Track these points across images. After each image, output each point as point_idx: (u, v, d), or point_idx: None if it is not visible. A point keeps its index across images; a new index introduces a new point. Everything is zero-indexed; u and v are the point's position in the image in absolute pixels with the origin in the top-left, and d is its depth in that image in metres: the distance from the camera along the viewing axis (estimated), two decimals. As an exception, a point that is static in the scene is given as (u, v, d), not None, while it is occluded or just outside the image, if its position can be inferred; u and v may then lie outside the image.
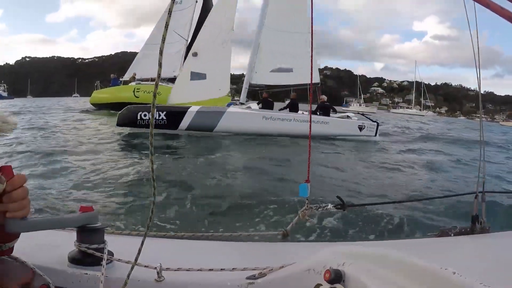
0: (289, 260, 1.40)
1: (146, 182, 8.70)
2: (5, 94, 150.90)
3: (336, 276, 1.14)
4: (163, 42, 0.87)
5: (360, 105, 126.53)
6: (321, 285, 1.19)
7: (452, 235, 2.17)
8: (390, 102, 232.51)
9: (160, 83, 31.44)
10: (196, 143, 16.35)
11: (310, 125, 2.28)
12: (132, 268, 1.32)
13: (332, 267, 1.17)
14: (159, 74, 0.94)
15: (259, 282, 1.37)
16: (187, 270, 1.44)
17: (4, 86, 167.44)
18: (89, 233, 1.52)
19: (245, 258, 1.56)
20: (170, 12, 0.88)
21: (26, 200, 1.29)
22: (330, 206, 2.17)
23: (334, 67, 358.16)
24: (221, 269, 1.43)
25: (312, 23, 2.09)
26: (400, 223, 6.44)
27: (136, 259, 1.30)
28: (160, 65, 0.93)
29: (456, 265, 1.05)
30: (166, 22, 0.85)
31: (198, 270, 1.43)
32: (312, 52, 2.14)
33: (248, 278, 1.39)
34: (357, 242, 1.84)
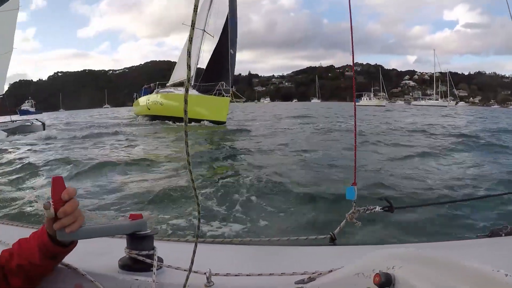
0: (338, 264, 1.36)
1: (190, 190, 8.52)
2: (32, 109, 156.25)
3: (386, 280, 1.11)
4: (191, 43, 0.84)
5: (370, 99, 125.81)
6: None
7: (504, 235, 2.04)
8: (422, 94, 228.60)
9: (174, 91, 37.33)
10: (232, 149, 16.77)
11: (355, 125, 2.19)
12: (187, 278, 1.32)
13: (381, 271, 1.14)
14: (188, 78, 0.93)
15: (308, 287, 1.34)
16: (236, 275, 1.44)
17: (31, 102, 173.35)
18: (139, 240, 1.55)
19: (293, 263, 1.53)
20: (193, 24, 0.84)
21: (78, 211, 1.35)
22: (377, 208, 2.10)
23: (364, 63, 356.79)
24: (270, 274, 1.43)
25: (351, 20, 1.96)
26: (448, 224, 6.31)
27: (190, 269, 1.30)
28: (189, 67, 0.91)
29: (508, 266, 1.01)
30: (192, 20, 0.82)
31: (247, 275, 1.43)
32: (352, 50, 2.00)
33: (297, 282, 1.37)
34: (406, 244, 1.85)
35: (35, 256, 1.45)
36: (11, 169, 13.18)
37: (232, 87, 36.21)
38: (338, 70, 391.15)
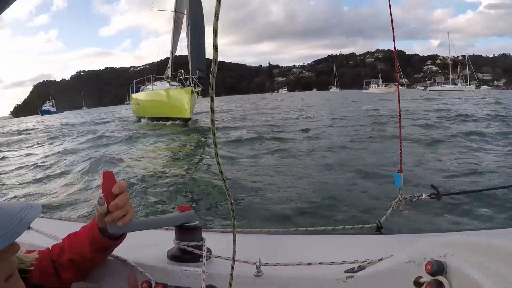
0: (386, 252, 1.35)
1: (241, 182, 9.01)
2: (53, 109, 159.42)
3: (438, 268, 1.10)
4: (216, 35, 0.80)
5: (378, 86, 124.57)
6: (422, 277, 1.15)
7: None
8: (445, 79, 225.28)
9: (151, 87, 33.95)
10: (268, 141, 16.17)
11: (400, 113, 2.16)
12: (232, 267, 1.32)
13: (433, 259, 1.13)
14: (213, 72, 0.88)
15: (358, 276, 1.32)
16: (286, 265, 1.43)
17: (52, 102, 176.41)
18: (188, 231, 1.58)
19: (341, 252, 1.52)
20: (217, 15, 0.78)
21: (128, 204, 1.38)
22: (424, 195, 2.04)
23: (386, 49, 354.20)
24: (320, 263, 1.42)
25: (391, 12, 1.92)
26: (499, 211, 6.12)
27: (233, 258, 1.31)
28: (215, 62, 0.85)
29: None
30: (216, 11, 0.77)
31: (297, 264, 1.43)
32: (393, 35, 1.91)
33: (347, 271, 1.35)
34: (457, 232, 1.66)
35: (86, 249, 1.49)
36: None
37: (195, 73, 30.61)
38: (359, 58, 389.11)
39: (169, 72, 36.81)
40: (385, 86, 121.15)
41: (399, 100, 2.16)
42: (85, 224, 1.63)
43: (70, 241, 1.55)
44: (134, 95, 40.31)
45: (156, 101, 33.06)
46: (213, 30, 0.78)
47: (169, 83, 32.97)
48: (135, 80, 42.84)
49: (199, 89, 29.80)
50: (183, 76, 31.45)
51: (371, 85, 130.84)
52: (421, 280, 1.14)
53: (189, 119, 28.83)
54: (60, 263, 1.51)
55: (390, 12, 1.96)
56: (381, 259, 1.33)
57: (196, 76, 29.75)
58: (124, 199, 1.36)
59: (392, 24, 1.99)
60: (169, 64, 38.15)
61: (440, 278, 1.08)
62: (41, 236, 1.99)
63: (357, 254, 1.44)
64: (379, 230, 1.97)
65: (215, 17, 0.77)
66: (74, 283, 1.58)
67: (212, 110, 0.92)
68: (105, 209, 1.34)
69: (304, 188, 8.34)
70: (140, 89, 39.57)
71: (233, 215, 1.22)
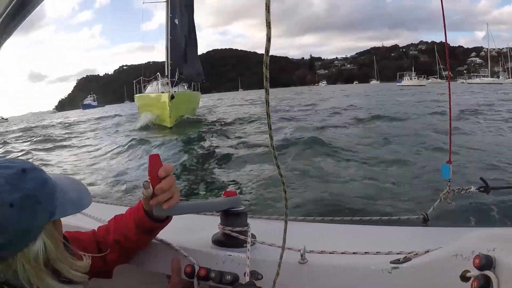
0: (432, 245, 1.32)
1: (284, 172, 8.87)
2: (94, 103, 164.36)
3: (486, 262, 1.07)
4: (269, 27, 0.78)
5: (411, 78, 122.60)
6: (469, 271, 1.12)
7: None
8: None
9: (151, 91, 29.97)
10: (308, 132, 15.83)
11: (450, 104, 2.15)
12: (281, 255, 1.31)
13: (481, 253, 1.10)
14: (266, 64, 0.85)
15: (404, 267, 1.29)
16: (331, 253, 1.44)
17: (94, 96, 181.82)
18: (233, 216, 1.58)
19: (387, 242, 1.51)
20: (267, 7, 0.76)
21: (174, 188, 1.40)
22: (473, 188, 1.99)
23: (429, 41, 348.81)
24: (365, 253, 1.41)
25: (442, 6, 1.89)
26: None
27: (283, 246, 1.30)
28: (267, 53, 0.83)
29: None
30: (266, 4, 0.76)
31: (342, 253, 1.43)
32: (445, 27, 1.93)
33: (392, 262, 1.33)
34: (507, 227, 1.61)
35: (131, 231, 1.54)
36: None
37: (174, 75, 28.65)
38: (401, 50, 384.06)
39: (166, 72, 31.97)
40: (417, 79, 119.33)
41: (449, 91, 2.11)
42: (131, 206, 1.67)
43: (116, 223, 1.60)
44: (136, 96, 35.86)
45: (145, 106, 30.23)
46: (266, 23, 0.77)
47: (167, 84, 28.79)
48: (136, 80, 35.98)
49: (187, 89, 30.10)
50: (161, 80, 29.24)
51: (404, 78, 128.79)
52: (468, 274, 1.12)
53: (169, 127, 24.56)
54: (105, 244, 1.56)
55: (442, 4, 1.94)
56: (428, 251, 1.31)
57: (177, 75, 28.42)
58: (170, 182, 1.37)
59: (443, 18, 1.96)
60: (166, 62, 32.47)
61: (488, 273, 1.06)
62: (86, 218, 2.04)
63: (402, 245, 1.43)
64: (425, 222, 1.94)
65: (266, 9, 0.76)
66: (118, 265, 1.63)
67: (267, 102, 0.91)
68: (150, 192, 1.36)
69: (350, 178, 8.34)
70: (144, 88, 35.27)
71: (285, 203, 1.21)
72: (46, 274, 1.04)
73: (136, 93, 34.15)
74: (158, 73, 30.80)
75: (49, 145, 21.11)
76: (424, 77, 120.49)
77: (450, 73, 2.51)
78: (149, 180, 1.37)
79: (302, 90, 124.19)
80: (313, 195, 7.08)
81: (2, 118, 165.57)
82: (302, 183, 7.89)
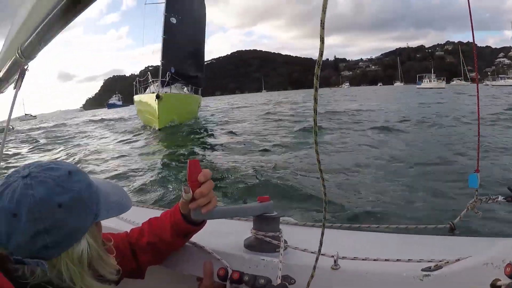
0: (461, 254, 1.33)
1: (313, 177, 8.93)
2: (119, 103, 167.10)
3: None
4: (323, 28, 0.77)
5: (430, 81, 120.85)
6: (500, 280, 1.13)
7: None
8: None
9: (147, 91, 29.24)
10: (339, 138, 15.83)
11: (478, 110, 2.04)
12: (317, 259, 1.32)
13: None
14: (319, 63, 0.84)
15: (435, 274, 1.30)
16: (363, 260, 1.43)
17: (119, 96, 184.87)
18: (266, 221, 1.60)
19: (416, 250, 1.49)
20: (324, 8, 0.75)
21: (212, 193, 1.45)
22: (500, 198, 1.91)
23: (456, 41, 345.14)
24: (397, 260, 1.40)
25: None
26: None
27: (319, 250, 1.30)
28: (321, 54, 0.82)
29: None
30: (324, 5, 0.75)
31: (374, 260, 1.42)
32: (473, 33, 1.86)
33: (423, 270, 1.32)
34: None
35: (167, 233, 1.58)
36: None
37: (168, 73, 27.12)
38: (427, 50, 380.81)
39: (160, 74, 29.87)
40: (437, 81, 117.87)
41: (477, 97, 2.06)
42: (163, 210, 1.75)
43: (151, 225, 1.64)
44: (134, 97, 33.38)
45: (140, 107, 29.85)
46: (321, 23, 0.77)
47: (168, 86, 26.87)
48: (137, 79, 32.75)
49: (183, 89, 28.17)
50: (152, 79, 28.53)
51: (424, 80, 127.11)
52: (499, 283, 1.13)
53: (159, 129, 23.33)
54: (139, 246, 1.61)
55: (469, 2, 1.91)
56: (458, 260, 1.31)
57: (168, 75, 26.48)
58: (209, 187, 1.42)
59: (470, 17, 1.93)
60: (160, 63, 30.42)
61: None
62: (118, 221, 2.07)
63: (432, 253, 1.43)
64: (452, 231, 1.90)
65: (323, 10, 0.76)
66: (150, 266, 1.67)
67: (315, 111, 0.91)
68: (190, 196, 1.41)
69: (378, 185, 8.31)
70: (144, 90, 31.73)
71: (325, 207, 1.20)
72: (88, 273, 1.09)
73: (137, 94, 31.69)
74: (149, 73, 30.07)
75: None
76: (443, 79, 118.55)
77: (477, 76, 2.48)
78: (188, 185, 1.41)
79: (325, 92, 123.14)
80: (340, 202, 7.02)
81: (31, 115, 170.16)
82: (330, 190, 7.74)
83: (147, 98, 25.46)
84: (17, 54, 1.71)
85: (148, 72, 30.54)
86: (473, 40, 1.88)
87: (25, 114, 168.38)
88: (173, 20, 29.41)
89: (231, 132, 20.71)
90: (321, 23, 0.76)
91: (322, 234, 1.26)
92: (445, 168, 9.54)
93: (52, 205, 1.02)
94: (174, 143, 18.07)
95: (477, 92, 2.04)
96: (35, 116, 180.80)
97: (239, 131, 21.49)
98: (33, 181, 1.04)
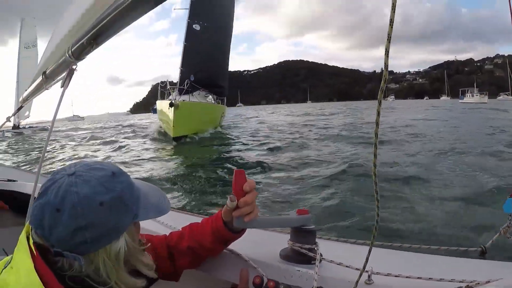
0: (492, 276, 1.35)
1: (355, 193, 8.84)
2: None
3: None
4: (389, 42, 0.81)
5: (472, 95, 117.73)
6: None
7: None
8: None
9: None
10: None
11: None
12: (360, 275, 1.34)
13: None
14: (385, 78, 0.88)
15: None
16: (396, 276, 1.44)
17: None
18: (303, 234, 1.62)
19: (448, 271, 1.50)
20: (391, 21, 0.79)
21: (254, 203, 1.46)
22: None
23: (506, 54, 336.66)
24: (429, 278, 1.41)
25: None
26: None
27: (364, 266, 1.31)
28: (386, 67, 0.86)
29: None
30: (391, 19, 0.80)
31: (407, 277, 1.43)
32: None
33: None
34: None
35: (207, 239, 1.62)
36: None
37: (183, 83, 26.25)
38: (476, 64, 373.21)
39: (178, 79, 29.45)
40: (479, 96, 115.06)
41: None
42: (200, 216, 1.83)
43: (191, 230, 1.69)
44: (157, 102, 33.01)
45: (159, 113, 29.70)
46: (387, 37, 0.80)
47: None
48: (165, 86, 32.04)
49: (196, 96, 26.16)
50: (170, 87, 28.83)
51: (466, 94, 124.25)
52: None
53: (180, 138, 22.64)
54: (178, 250, 1.65)
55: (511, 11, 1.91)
56: (489, 281, 1.32)
57: (186, 83, 25.40)
58: (253, 196, 1.44)
59: None
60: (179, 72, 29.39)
61: None
62: (157, 224, 2.15)
63: (463, 274, 1.43)
64: (483, 254, 1.89)
65: (390, 24, 0.79)
66: (186, 270, 1.72)
67: (377, 124, 0.94)
68: (235, 205, 1.43)
69: (412, 205, 8.12)
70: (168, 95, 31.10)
71: (376, 226, 1.22)
72: (123, 270, 1.14)
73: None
74: (167, 81, 30.58)
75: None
76: (485, 94, 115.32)
77: None
78: (233, 193, 1.43)
79: (367, 105, 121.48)
80: (374, 219, 6.78)
81: (78, 116, 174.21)
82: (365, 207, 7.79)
83: (165, 105, 24.87)
84: (67, 54, 1.74)
85: (167, 80, 31.11)
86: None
87: (73, 115, 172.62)
88: (197, 27, 29.09)
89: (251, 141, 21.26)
90: (388, 37, 0.81)
91: (370, 251, 1.27)
92: (479, 189, 9.25)
93: (94, 203, 1.06)
94: (190, 152, 18.30)
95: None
96: (83, 117, 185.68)
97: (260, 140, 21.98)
98: (78, 179, 1.09)
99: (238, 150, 18.70)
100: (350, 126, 30.17)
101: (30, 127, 52.83)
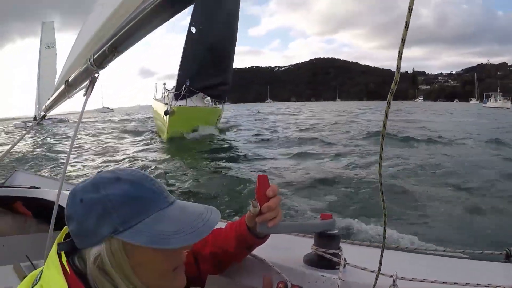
0: None
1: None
2: None
3: None
4: (403, 44, 0.77)
5: (496, 100, 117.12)
6: None
7: None
8: None
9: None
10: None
11: None
12: (376, 277, 1.33)
13: None
14: (396, 80, 0.83)
15: None
16: (421, 281, 1.42)
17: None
18: (327, 238, 1.59)
19: (473, 275, 1.50)
20: (407, 25, 0.76)
21: (278, 207, 1.44)
22: None
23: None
24: (454, 283, 1.40)
25: None
26: None
27: (379, 270, 1.31)
28: (398, 69, 0.81)
29: None
30: (406, 21, 0.76)
31: (432, 282, 1.41)
32: None
33: None
34: None
35: (231, 245, 1.58)
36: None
37: (180, 88, 24.79)
38: (509, 68, 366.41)
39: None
40: (502, 100, 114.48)
41: None
42: (225, 221, 1.81)
43: (214, 236, 1.63)
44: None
45: (154, 112, 30.49)
46: (402, 39, 0.77)
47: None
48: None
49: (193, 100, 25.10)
50: (167, 89, 28.00)
51: (490, 99, 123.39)
52: None
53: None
54: (202, 255, 1.62)
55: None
56: None
57: (184, 88, 24.18)
58: (277, 202, 1.42)
59: None
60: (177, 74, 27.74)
61: None
62: None
63: (488, 278, 1.44)
64: (508, 258, 1.87)
65: (405, 27, 0.76)
66: (210, 275, 1.68)
67: (386, 115, 0.90)
68: (257, 210, 1.41)
69: (435, 209, 8.37)
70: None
71: (384, 228, 1.24)
72: (105, 280, 1.05)
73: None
74: (164, 82, 29.71)
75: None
76: (509, 99, 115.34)
77: None
78: (256, 198, 1.42)
79: (397, 106, 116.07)
80: (398, 223, 7.25)
81: (108, 108, 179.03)
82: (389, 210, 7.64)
83: (160, 109, 24.63)
84: (89, 63, 1.73)
85: (164, 82, 30.84)
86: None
87: (103, 107, 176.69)
88: (193, 29, 27.87)
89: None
90: (402, 39, 0.77)
91: (382, 254, 1.27)
92: (504, 192, 9.59)
93: (76, 198, 1.06)
94: (185, 153, 18.44)
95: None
96: (113, 109, 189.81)
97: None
98: (91, 178, 1.12)
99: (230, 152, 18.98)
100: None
101: (49, 118, 57.68)
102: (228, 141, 23.85)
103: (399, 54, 0.76)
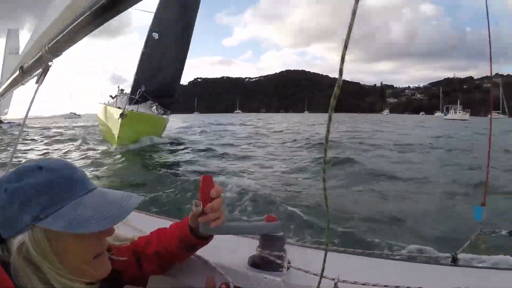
0: (461, 283, 1.43)
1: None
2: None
3: None
4: (345, 48, 0.75)
5: (455, 112, 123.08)
6: None
7: None
8: None
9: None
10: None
11: (490, 145, 2.27)
12: (319, 282, 1.26)
13: None
14: (339, 84, 0.79)
15: None
16: (363, 284, 1.43)
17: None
18: (272, 241, 1.59)
19: (417, 278, 1.51)
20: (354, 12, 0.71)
21: (221, 208, 1.43)
22: (504, 232, 2.23)
23: (505, 74, 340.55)
24: (396, 287, 1.41)
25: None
26: None
27: (321, 274, 1.24)
28: (340, 73, 0.78)
29: None
30: (354, 9, 0.71)
31: (374, 285, 1.42)
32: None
33: None
34: None
35: (174, 245, 1.58)
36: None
37: (135, 92, 24.71)
38: (476, 82, 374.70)
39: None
40: (461, 113, 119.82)
41: (491, 127, 2.25)
42: (171, 221, 1.87)
43: (159, 236, 1.64)
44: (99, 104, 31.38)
45: (101, 118, 28.58)
46: (344, 43, 0.75)
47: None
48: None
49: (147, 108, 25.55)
50: (119, 93, 27.81)
51: (450, 111, 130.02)
52: None
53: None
54: (145, 255, 1.60)
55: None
56: None
57: (138, 93, 23.86)
58: (220, 203, 1.41)
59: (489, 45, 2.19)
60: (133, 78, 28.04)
61: None
62: (126, 228, 2.00)
63: (431, 282, 1.48)
64: (454, 261, 1.97)
65: (348, 31, 0.74)
66: (152, 275, 1.58)
67: (330, 119, 0.86)
68: (200, 210, 1.40)
69: (381, 210, 8.43)
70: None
71: (328, 233, 1.35)
72: (30, 269, 1.05)
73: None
74: (118, 86, 29.77)
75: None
76: (467, 111, 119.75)
77: (493, 110, 2.66)
78: (200, 199, 1.40)
79: (353, 117, 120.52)
80: (343, 225, 7.18)
81: (75, 114, 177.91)
82: (334, 213, 7.84)
83: (112, 112, 23.57)
84: (43, 50, 1.74)
85: (118, 86, 30.35)
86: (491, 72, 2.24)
87: (70, 112, 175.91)
88: (155, 35, 27.63)
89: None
90: (345, 43, 0.75)
91: (325, 257, 1.20)
92: (456, 196, 9.69)
93: (1, 188, 1.08)
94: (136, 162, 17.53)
95: (491, 127, 2.26)
96: (80, 115, 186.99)
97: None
98: (15, 169, 1.14)
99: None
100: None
101: (8, 122, 63.70)
102: (171, 150, 23.29)
103: (341, 58, 0.76)
